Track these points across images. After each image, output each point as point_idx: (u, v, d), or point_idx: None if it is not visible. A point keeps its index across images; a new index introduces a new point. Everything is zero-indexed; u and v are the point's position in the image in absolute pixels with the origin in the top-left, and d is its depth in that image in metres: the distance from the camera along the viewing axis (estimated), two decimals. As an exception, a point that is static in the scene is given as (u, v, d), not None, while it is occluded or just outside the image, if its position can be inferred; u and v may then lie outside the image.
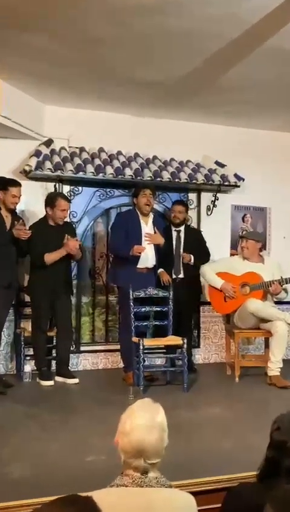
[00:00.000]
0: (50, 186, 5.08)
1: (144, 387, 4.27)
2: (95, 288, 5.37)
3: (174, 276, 5.04)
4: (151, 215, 4.81)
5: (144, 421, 1.61)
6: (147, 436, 1.57)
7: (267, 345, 5.00)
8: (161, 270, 4.91)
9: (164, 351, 4.90)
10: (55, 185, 5.07)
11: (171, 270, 5.04)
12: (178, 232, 5.19)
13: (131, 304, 4.51)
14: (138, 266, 4.66)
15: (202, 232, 5.44)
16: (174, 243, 5.11)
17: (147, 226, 4.74)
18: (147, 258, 4.70)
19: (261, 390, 4.47)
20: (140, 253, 4.52)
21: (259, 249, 5.03)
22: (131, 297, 4.51)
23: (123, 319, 4.86)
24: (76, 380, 4.62)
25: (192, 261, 5.01)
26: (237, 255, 5.50)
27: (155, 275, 4.83)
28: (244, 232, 5.61)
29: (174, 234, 5.16)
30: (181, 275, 5.07)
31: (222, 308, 5.04)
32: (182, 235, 5.17)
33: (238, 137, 5.79)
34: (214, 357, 5.71)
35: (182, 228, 5.21)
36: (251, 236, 5.05)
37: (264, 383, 4.63)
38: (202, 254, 5.15)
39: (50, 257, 4.50)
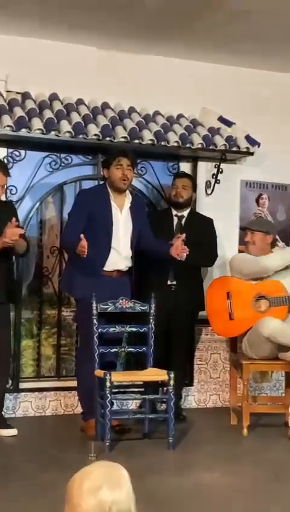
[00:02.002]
0: (-22, 149, 5.07)
1: (111, 443, 4.24)
2: (42, 298, 5.36)
3: (168, 283, 5.09)
4: (129, 196, 4.81)
5: (105, 471, 1.63)
6: (114, 489, 1.59)
7: (288, 384, 5.04)
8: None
9: (142, 390, 4.89)
10: (-15, 147, 5.06)
11: (167, 273, 5.07)
12: (180, 218, 5.22)
13: (95, 321, 4.50)
14: (105, 268, 4.66)
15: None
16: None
17: (121, 213, 4.73)
18: (120, 256, 4.69)
19: (280, 447, 4.48)
20: (84, 253, 4.35)
21: (270, 244, 5.07)
22: (95, 311, 4.50)
23: (83, 343, 4.85)
24: (13, 432, 4.61)
25: (184, 256, 4.76)
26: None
27: (131, 281, 4.82)
28: (253, 219, 5.63)
29: (174, 220, 5.19)
30: (175, 281, 5.11)
31: (226, 330, 5.05)
32: (184, 222, 5.21)
33: (254, 84, 5.80)
34: (213, 400, 5.73)
35: (185, 213, 5.24)
36: (255, 226, 5.09)
37: (285, 438, 4.64)
38: (207, 254, 5.16)
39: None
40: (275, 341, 4.69)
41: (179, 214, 5.24)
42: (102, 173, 4.85)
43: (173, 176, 5.37)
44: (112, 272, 4.69)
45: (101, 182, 4.97)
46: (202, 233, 5.11)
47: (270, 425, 4.94)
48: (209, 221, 5.36)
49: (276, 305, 4.82)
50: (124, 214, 4.73)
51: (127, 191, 4.81)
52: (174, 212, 5.24)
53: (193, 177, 5.41)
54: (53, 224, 5.40)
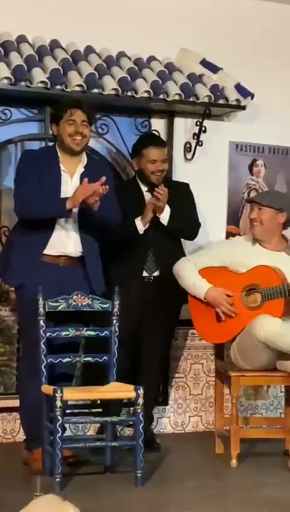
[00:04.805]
0: None
1: (62, 478, 4.24)
2: (-28, 293, 5.37)
3: (145, 274, 5.14)
4: (83, 158, 4.82)
5: (48, 509, 1.64)
6: None
7: (289, 401, 5.07)
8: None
9: (99, 410, 4.94)
10: None
11: (144, 263, 5.13)
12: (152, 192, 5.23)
13: (42, 323, 4.50)
14: (48, 252, 4.64)
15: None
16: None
17: (71, 181, 4.72)
18: (69, 238, 4.69)
19: (278, 482, 4.48)
20: (95, 200, 4.45)
21: (282, 225, 5.07)
22: (42, 310, 4.49)
23: (26, 350, 4.87)
24: None
25: (166, 216, 5.01)
26: (239, 234, 5.53)
27: (86, 272, 4.79)
28: (255, 193, 5.63)
29: (147, 199, 5.18)
30: (157, 273, 5.16)
31: (212, 333, 5.05)
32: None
33: (248, 18, 5.82)
34: (194, 422, 5.77)
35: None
36: (266, 200, 5.05)
37: (284, 470, 4.66)
38: (191, 223, 5.24)
39: None
40: (273, 346, 4.68)
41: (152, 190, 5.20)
42: (50, 130, 4.82)
43: (142, 141, 5.28)
44: (57, 258, 4.68)
45: (51, 144, 4.96)
46: (182, 203, 5.18)
47: (265, 454, 4.96)
48: (186, 186, 5.41)
49: (269, 298, 4.80)
50: (75, 181, 4.72)
51: (84, 154, 4.80)
52: (144, 188, 5.21)
53: (165, 143, 5.39)
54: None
